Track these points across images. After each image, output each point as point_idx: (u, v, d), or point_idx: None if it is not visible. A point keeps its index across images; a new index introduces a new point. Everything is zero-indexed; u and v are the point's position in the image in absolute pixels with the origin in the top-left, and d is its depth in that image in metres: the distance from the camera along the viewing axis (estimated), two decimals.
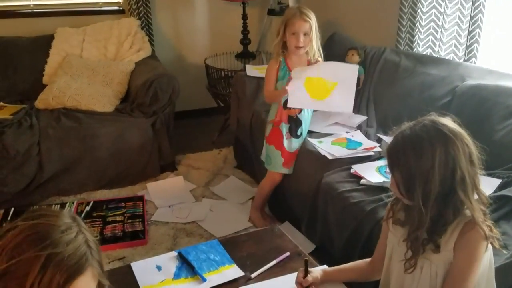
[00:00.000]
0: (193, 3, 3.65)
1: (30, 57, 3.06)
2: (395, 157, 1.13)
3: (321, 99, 2.09)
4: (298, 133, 2.25)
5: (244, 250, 1.53)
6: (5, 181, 2.44)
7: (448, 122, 1.12)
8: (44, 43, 3.11)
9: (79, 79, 2.92)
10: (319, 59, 2.18)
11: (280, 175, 2.31)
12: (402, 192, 1.14)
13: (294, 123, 2.24)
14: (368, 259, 1.40)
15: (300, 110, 2.22)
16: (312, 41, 2.13)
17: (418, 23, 2.50)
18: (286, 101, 2.18)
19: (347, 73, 2.08)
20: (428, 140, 1.07)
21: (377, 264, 1.35)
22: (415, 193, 1.08)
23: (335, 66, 2.12)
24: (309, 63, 2.19)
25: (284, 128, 2.24)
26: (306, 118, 2.27)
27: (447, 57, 2.44)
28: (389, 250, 1.29)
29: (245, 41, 3.50)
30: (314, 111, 2.36)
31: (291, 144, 2.25)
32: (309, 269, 1.31)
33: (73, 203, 2.52)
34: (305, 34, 2.10)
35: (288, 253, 1.49)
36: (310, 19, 2.10)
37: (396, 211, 1.24)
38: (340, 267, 1.40)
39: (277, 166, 2.28)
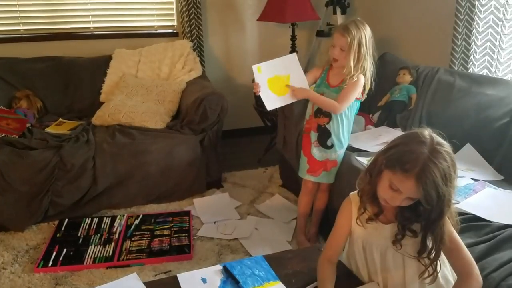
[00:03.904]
0: (243, 25, 3.75)
1: (89, 76, 3.24)
2: (428, 187, 1.15)
3: (285, 94, 2.16)
4: (329, 143, 2.20)
5: (289, 268, 1.51)
6: (60, 193, 2.55)
7: (440, 139, 1.20)
8: (102, 63, 3.28)
9: (134, 97, 3.05)
10: (355, 78, 2.06)
11: (313, 184, 2.31)
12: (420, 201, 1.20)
13: (323, 132, 2.20)
14: (325, 262, 1.41)
15: (329, 120, 2.17)
16: (349, 58, 2.04)
17: (473, 43, 2.43)
18: (316, 110, 2.19)
19: (291, 63, 2.19)
20: (453, 167, 1.18)
21: (335, 259, 1.43)
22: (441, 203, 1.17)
23: (279, 61, 2.19)
24: (344, 80, 2.11)
25: (313, 136, 2.23)
26: (335, 129, 2.17)
27: (505, 78, 2.34)
28: (359, 244, 1.40)
29: None
30: (357, 128, 2.31)
31: (320, 153, 2.23)
32: None
33: (123, 216, 2.60)
34: (342, 49, 2.06)
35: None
36: (349, 35, 2.01)
37: (368, 207, 1.33)
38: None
39: (302, 171, 2.31)
